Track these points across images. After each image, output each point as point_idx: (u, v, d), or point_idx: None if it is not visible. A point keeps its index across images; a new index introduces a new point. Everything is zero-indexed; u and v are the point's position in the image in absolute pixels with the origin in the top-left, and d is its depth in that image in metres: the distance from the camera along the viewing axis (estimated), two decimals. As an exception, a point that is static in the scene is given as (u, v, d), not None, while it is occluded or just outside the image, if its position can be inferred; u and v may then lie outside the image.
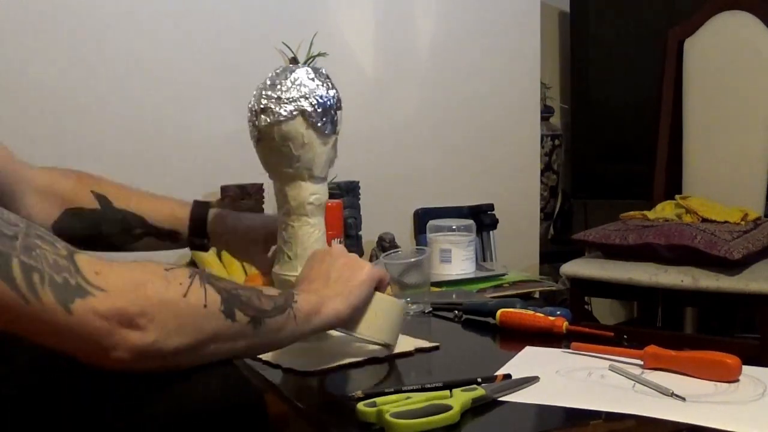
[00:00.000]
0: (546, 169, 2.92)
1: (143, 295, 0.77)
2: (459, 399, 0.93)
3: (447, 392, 0.95)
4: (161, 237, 1.25)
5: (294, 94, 1.14)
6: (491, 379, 1.02)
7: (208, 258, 1.99)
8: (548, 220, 3.02)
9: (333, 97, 1.17)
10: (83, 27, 2.07)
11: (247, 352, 0.93)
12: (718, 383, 1.02)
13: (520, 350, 1.18)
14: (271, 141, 1.14)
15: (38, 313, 0.72)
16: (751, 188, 2.33)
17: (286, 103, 1.13)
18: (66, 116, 2.06)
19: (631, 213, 2.26)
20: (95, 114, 2.09)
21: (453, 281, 2.12)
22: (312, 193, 1.18)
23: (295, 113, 1.13)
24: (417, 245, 2.36)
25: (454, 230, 2.19)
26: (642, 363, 1.08)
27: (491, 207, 2.54)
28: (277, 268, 1.20)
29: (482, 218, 2.47)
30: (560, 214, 3.08)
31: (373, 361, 1.14)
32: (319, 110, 1.14)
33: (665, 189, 2.44)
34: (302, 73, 1.15)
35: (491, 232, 2.52)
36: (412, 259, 1.47)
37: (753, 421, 0.91)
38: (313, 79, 1.15)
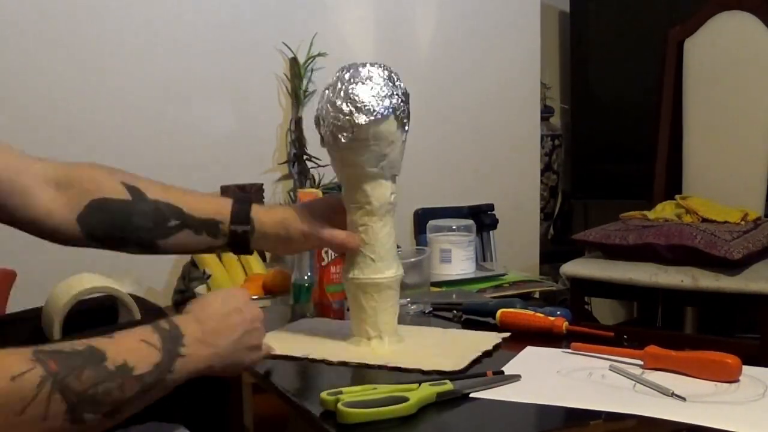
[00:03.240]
0: (546, 169, 2.92)
1: None
2: (421, 392, 0.93)
3: (415, 385, 0.95)
4: (199, 230, 1.15)
5: (387, 91, 1.14)
6: (481, 374, 1.02)
7: (208, 259, 1.98)
8: (548, 220, 3.02)
9: (406, 93, 1.17)
10: (83, 27, 2.07)
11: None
12: (719, 383, 1.02)
13: (520, 350, 1.18)
14: (363, 140, 1.14)
15: None
16: (751, 188, 2.32)
17: (381, 101, 1.13)
18: (65, 116, 2.07)
19: (631, 213, 2.26)
20: (95, 114, 2.10)
21: (453, 281, 2.12)
22: (392, 192, 1.20)
23: (388, 111, 1.13)
24: (417, 245, 2.36)
25: (454, 230, 2.19)
26: (642, 363, 1.08)
27: (491, 207, 2.54)
28: (357, 272, 1.19)
29: (482, 218, 2.47)
30: (560, 214, 3.08)
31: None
32: (405, 108, 1.15)
33: (665, 189, 2.43)
34: (378, 71, 1.16)
35: (491, 232, 2.52)
36: (412, 259, 1.47)
37: (753, 421, 0.91)
38: (390, 77, 1.16)
